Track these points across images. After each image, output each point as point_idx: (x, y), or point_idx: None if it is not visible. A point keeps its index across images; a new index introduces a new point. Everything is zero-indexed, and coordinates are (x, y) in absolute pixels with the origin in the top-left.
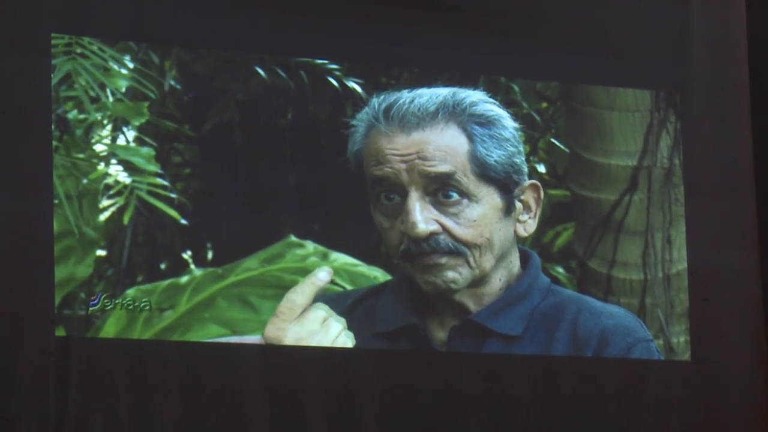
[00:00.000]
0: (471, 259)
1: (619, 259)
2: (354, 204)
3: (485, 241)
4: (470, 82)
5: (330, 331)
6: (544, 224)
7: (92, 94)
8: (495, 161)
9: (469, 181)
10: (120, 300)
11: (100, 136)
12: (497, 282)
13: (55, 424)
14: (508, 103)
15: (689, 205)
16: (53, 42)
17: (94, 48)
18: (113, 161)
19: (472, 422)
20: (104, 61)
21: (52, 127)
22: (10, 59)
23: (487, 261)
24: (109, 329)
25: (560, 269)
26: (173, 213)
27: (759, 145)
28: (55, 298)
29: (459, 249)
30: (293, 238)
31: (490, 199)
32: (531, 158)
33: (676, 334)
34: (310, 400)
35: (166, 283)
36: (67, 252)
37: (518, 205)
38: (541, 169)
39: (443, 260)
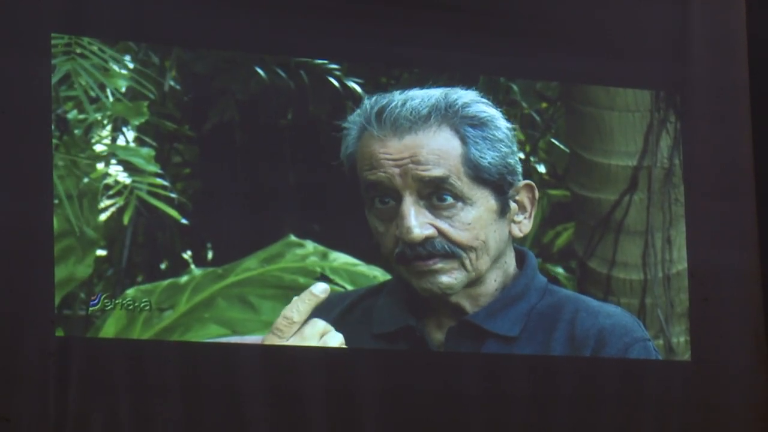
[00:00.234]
0: (467, 262)
1: (619, 259)
2: (354, 204)
3: (481, 244)
4: (470, 82)
5: (328, 346)
6: (544, 224)
7: (92, 94)
8: (489, 163)
9: (463, 184)
10: (120, 300)
11: (100, 136)
12: (492, 282)
13: (55, 424)
14: (508, 103)
15: (689, 205)
16: (53, 42)
17: (94, 48)
18: (113, 161)
19: (471, 422)
20: (104, 61)
21: (52, 127)
22: (10, 59)
23: (483, 263)
24: (109, 329)
25: (560, 269)
26: (173, 213)
27: (759, 145)
28: (55, 298)
29: (455, 252)
30: (293, 238)
31: (484, 202)
32: (531, 158)
33: (676, 334)
34: (310, 400)
35: (166, 283)
36: (67, 252)
37: (513, 205)
38: (541, 169)
39: (438, 265)
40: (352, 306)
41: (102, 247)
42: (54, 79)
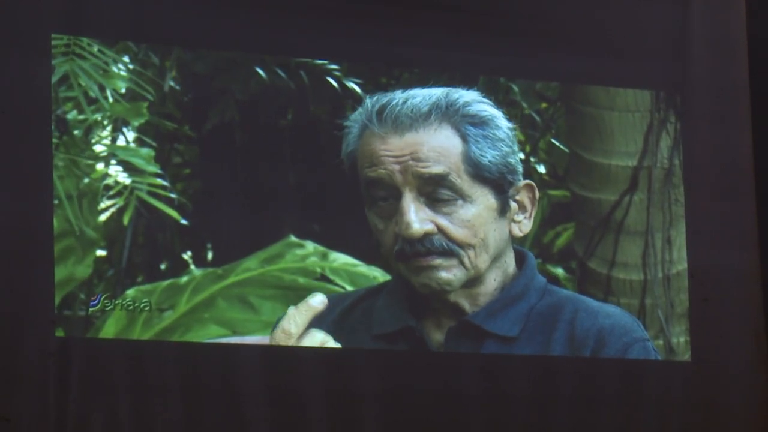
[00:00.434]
0: (465, 260)
1: (619, 260)
2: (354, 204)
3: (480, 242)
4: (470, 82)
5: None
6: (544, 224)
7: (92, 95)
8: (489, 161)
9: (463, 182)
10: (120, 300)
11: (100, 136)
12: (492, 282)
13: (55, 425)
14: (508, 104)
15: (689, 206)
16: (53, 42)
17: (94, 49)
18: (113, 162)
19: (471, 423)
20: (104, 63)
21: (52, 127)
22: (10, 59)
23: (482, 261)
24: (109, 330)
25: (560, 270)
26: (173, 213)
27: (759, 145)
28: (55, 298)
29: (453, 249)
30: (293, 238)
31: (484, 200)
32: (531, 159)
33: (676, 335)
34: (310, 400)
35: (166, 283)
36: (67, 252)
37: (513, 205)
38: (541, 169)
39: (437, 261)
40: (351, 307)
41: (102, 248)
42: (53, 80)
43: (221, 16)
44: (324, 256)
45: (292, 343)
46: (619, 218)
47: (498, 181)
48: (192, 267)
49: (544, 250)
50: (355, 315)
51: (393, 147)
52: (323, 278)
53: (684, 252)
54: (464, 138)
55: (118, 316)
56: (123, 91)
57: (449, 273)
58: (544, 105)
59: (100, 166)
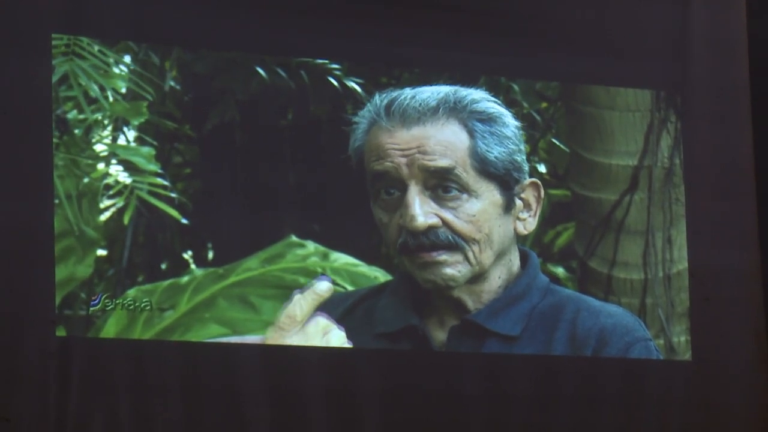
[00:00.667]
0: (470, 254)
1: (620, 259)
2: (354, 204)
3: (484, 237)
4: (470, 82)
5: (330, 344)
6: (545, 224)
7: (92, 94)
8: (495, 157)
9: (469, 177)
10: (120, 300)
11: (100, 136)
12: (496, 280)
13: (56, 424)
14: (508, 103)
15: (689, 205)
16: (53, 42)
17: (93, 49)
18: (113, 161)
19: (472, 422)
20: (104, 63)
21: (53, 127)
22: (10, 59)
23: (487, 257)
24: (110, 329)
25: (561, 269)
26: (174, 213)
27: (759, 145)
28: (56, 298)
29: (458, 243)
30: (294, 238)
31: (489, 195)
32: (531, 158)
33: (677, 334)
34: (311, 400)
35: (166, 283)
36: (67, 252)
37: (518, 202)
38: (542, 168)
39: (442, 257)
40: (353, 306)
41: (102, 247)
42: (53, 80)
43: (221, 16)
44: (325, 256)
45: (296, 328)
46: (620, 218)
47: (504, 178)
48: (193, 267)
49: (545, 250)
50: (357, 314)
51: (400, 140)
52: None
53: (684, 251)
54: (471, 133)
55: (118, 316)
56: (123, 90)
57: (454, 269)
58: (544, 104)
59: (100, 165)
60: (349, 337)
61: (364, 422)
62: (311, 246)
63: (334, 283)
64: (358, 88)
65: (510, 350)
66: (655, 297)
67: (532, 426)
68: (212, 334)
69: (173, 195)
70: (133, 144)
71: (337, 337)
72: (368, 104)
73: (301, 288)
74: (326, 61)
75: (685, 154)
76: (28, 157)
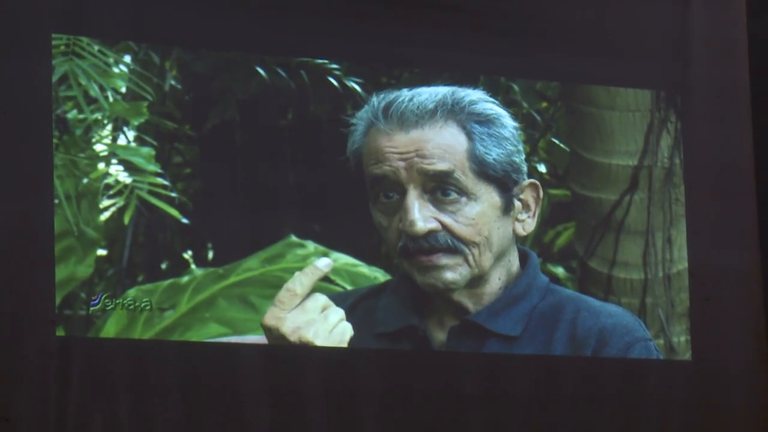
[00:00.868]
0: (470, 257)
1: (620, 259)
2: (354, 204)
3: (484, 240)
4: (470, 82)
5: (329, 320)
6: (545, 224)
7: (92, 94)
8: (494, 159)
9: (468, 180)
10: (121, 300)
11: (100, 135)
12: (496, 281)
13: (56, 424)
14: (508, 103)
15: (689, 205)
16: (53, 42)
17: (93, 49)
18: (114, 161)
19: (472, 422)
20: (105, 64)
21: (52, 127)
22: (10, 59)
23: (486, 260)
24: (110, 329)
25: (561, 269)
26: (174, 213)
27: (759, 145)
28: (56, 298)
29: (458, 246)
30: (294, 238)
31: (488, 198)
32: (531, 158)
33: (677, 334)
34: (311, 400)
35: (166, 283)
36: (67, 252)
37: (517, 203)
38: (542, 168)
39: (443, 261)
40: (353, 306)
41: (103, 247)
42: (53, 79)
43: (221, 16)
44: (325, 256)
45: (296, 303)
46: (620, 217)
47: (502, 180)
48: (193, 266)
49: (545, 250)
50: (358, 314)
51: (398, 144)
52: (324, 278)
53: (684, 251)
54: (469, 136)
55: (118, 316)
56: (123, 90)
57: (454, 273)
58: (544, 104)
59: (100, 165)
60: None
61: (364, 422)
62: (311, 246)
63: (333, 283)
64: (358, 88)
65: (510, 351)
66: (655, 297)
67: (532, 426)
68: (212, 334)
69: (173, 195)
70: (133, 144)
71: (335, 314)
72: (366, 106)
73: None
74: (326, 61)
75: (685, 154)
76: (28, 157)
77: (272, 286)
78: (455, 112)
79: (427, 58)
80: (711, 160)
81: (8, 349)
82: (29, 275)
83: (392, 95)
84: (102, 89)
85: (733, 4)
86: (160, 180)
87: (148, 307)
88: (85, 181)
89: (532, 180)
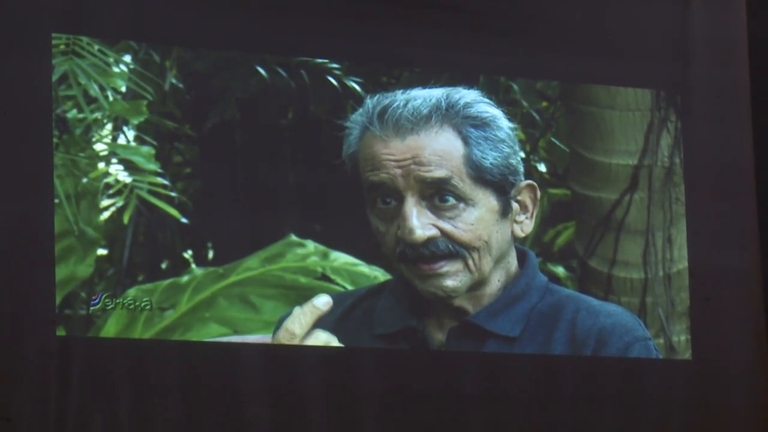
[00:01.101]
0: (470, 262)
1: (620, 258)
2: (354, 204)
3: (483, 244)
4: (470, 82)
5: None
6: (545, 223)
7: (92, 93)
8: (491, 164)
9: (465, 185)
10: (121, 299)
11: (100, 135)
12: (495, 283)
13: (56, 424)
14: (508, 103)
15: (690, 205)
16: (53, 42)
17: (93, 48)
18: (113, 160)
19: (472, 422)
20: (105, 63)
21: (52, 126)
22: (10, 59)
23: (486, 264)
24: (110, 329)
25: (561, 268)
26: (174, 212)
27: (759, 145)
28: (56, 297)
29: (458, 251)
30: (294, 238)
31: (486, 202)
32: (531, 157)
33: (677, 333)
34: (311, 400)
35: (166, 282)
36: (67, 251)
37: (515, 205)
38: (542, 168)
39: (444, 269)
40: (352, 306)
41: (103, 247)
42: (53, 79)
43: (221, 16)
44: (325, 256)
45: (296, 342)
46: (620, 217)
47: (500, 183)
48: (193, 266)
49: (545, 249)
50: (357, 314)
51: (395, 151)
52: (324, 278)
53: (684, 250)
54: (466, 140)
55: (119, 315)
56: (123, 89)
57: (455, 280)
58: (544, 104)
59: (100, 164)
60: (349, 338)
61: (364, 422)
62: (311, 245)
63: (333, 282)
64: (357, 88)
65: (510, 351)
66: (655, 296)
67: (532, 426)
68: (212, 333)
69: (173, 194)
70: (132, 143)
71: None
72: (360, 109)
73: (302, 304)
74: (326, 61)
75: (685, 154)
76: (28, 156)
77: (272, 285)
78: (450, 117)
79: (427, 58)
80: (711, 160)
81: (8, 348)
82: (29, 275)
83: (387, 100)
84: (102, 88)
85: (733, 4)
86: (160, 179)
87: (148, 307)
88: (84, 180)
89: (528, 181)
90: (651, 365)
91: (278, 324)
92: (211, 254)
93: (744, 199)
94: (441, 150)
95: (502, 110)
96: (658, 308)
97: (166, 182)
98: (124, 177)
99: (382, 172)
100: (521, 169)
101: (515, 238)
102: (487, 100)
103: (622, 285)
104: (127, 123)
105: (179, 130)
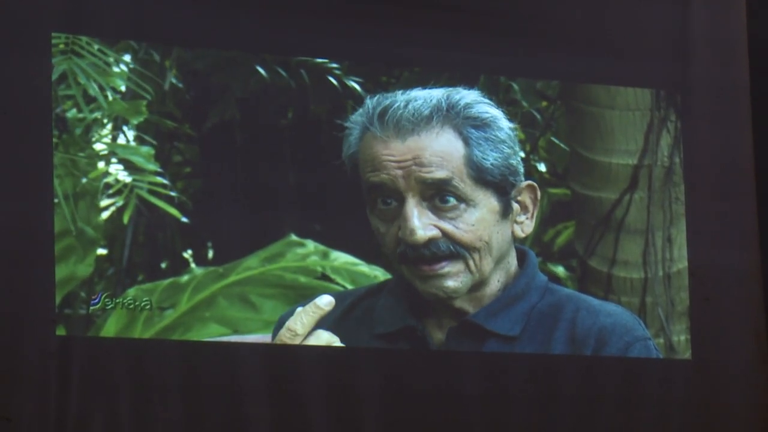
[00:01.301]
0: (471, 263)
1: (620, 258)
2: (354, 203)
3: (484, 245)
4: (470, 82)
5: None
6: (545, 223)
7: (91, 93)
8: (491, 164)
9: (466, 186)
10: (121, 299)
11: (99, 135)
12: (496, 284)
13: (56, 424)
14: (508, 102)
15: (689, 205)
16: (53, 41)
17: (93, 48)
18: (113, 160)
19: (472, 422)
20: (105, 63)
21: (52, 126)
22: (10, 59)
23: (487, 264)
24: (110, 328)
25: (561, 268)
26: (174, 212)
27: (759, 145)
28: (56, 297)
29: (459, 252)
30: (294, 237)
31: (487, 203)
32: (531, 157)
33: (677, 333)
34: (311, 399)
35: (166, 282)
36: (67, 251)
37: (515, 206)
38: (542, 167)
39: (445, 270)
40: (352, 306)
41: (103, 246)
42: (52, 78)
43: (221, 16)
44: (325, 255)
45: (298, 342)
46: (620, 216)
47: (500, 184)
48: (193, 266)
49: (545, 249)
50: (356, 314)
51: (395, 152)
52: (324, 277)
53: (684, 250)
54: (466, 141)
55: (118, 315)
56: (123, 89)
57: (456, 281)
58: (544, 103)
59: (100, 164)
60: (348, 338)
61: (364, 422)
62: (311, 245)
63: (333, 282)
64: (357, 87)
65: (509, 350)
66: (655, 296)
67: (532, 426)
68: (212, 333)
69: (173, 194)
70: (132, 143)
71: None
72: (360, 109)
73: (302, 303)
74: (326, 61)
75: (685, 154)
76: (28, 156)
77: (272, 285)
78: (451, 117)
79: (427, 57)
80: (711, 160)
81: (8, 348)
82: (29, 275)
83: (387, 101)
84: (101, 88)
85: (733, 4)
86: (159, 179)
87: (148, 307)
88: (84, 180)
89: (529, 181)
90: (651, 365)
91: (279, 323)
92: (211, 254)
93: (744, 199)
94: (442, 151)
95: (502, 111)
96: (657, 308)
97: (165, 182)
98: (124, 177)
99: (383, 173)
100: (521, 169)
101: (515, 239)
102: (488, 101)
103: (622, 285)
104: (126, 123)
105: (179, 130)
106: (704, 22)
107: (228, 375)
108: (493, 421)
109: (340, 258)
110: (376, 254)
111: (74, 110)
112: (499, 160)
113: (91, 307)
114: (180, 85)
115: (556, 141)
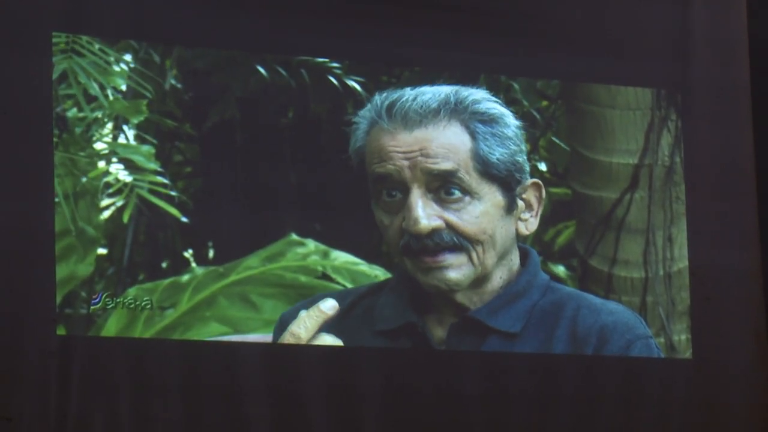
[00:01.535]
0: (474, 255)
1: (620, 257)
2: (355, 203)
3: (487, 238)
4: (470, 81)
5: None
6: (545, 222)
7: (92, 92)
8: (497, 159)
9: (471, 179)
10: (121, 299)
11: (100, 134)
12: (498, 280)
13: (56, 424)
14: (508, 102)
15: (690, 204)
16: (54, 41)
17: (93, 47)
18: (114, 159)
19: (472, 421)
20: (105, 63)
21: (53, 126)
22: (10, 58)
23: (490, 258)
24: (111, 328)
25: (561, 267)
26: (174, 211)
27: (759, 145)
28: (57, 296)
29: (462, 244)
30: (294, 237)
31: (491, 197)
32: (532, 156)
33: (678, 332)
34: (311, 399)
35: (167, 281)
36: (68, 251)
37: (520, 203)
38: (542, 167)
39: (447, 261)
40: (353, 304)
41: (103, 246)
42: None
43: (221, 16)
44: (325, 255)
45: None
46: (620, 216)
47: (506, 179)
48: (193, 265)
49: (545, 248)
50: (357, 312)
51: (402, 143)
52: (324, 277)
53: (685, 249)
54: (473, 135)
55: (119, 315)
56: (123, 88)
57: (458, 273)
58: (544, 103)
59: (100, 163)
60: (349, 336)
61: (364, 421)
62: (311, 244)
63: (334, 281)
64: (358, 87)
65: (510, 347)
66: (656, 295)
67: (532, 425)
68: (213, 332)
69: (173, 193)
70: (133, 142)
71: None
72: (368, 104)
73: (302, 302)
74: (326, 60)
75: (686, 153)
76: (28, 156)
77: (273, 284)
78: (458, 112)
79: (428, 57)
80: (711, 160)
81: (8, 348)
82: (29, 274)
83: (395, 94)
84: (102, 87)
85: (733, 4)
86: (160, 179)
87: (148, 306)
88: (84, 179)
89: (534, 179)
90: (651, 364)
91: (280, 321)
92: (211, 253)
93: (744, 198)
94: (448, 143)
95: (510, 110)
96: (658, 307)
97: (166, 181)
98: (125, 176)
99: (389, 164)
100: (527, 167)
101: (519, 236)
102: (495, 99)
103: (623, 284)
104: (127, 122)
105: (179, 129)
106: (704, 22)
107: (228, 375)
108: (493, 421)
109: (341, 257)
110: (377, 254)
111: (75, 109)
112: (506, 155)
113: (92, 307)
114: (180, 85)
115: (557, 140)
